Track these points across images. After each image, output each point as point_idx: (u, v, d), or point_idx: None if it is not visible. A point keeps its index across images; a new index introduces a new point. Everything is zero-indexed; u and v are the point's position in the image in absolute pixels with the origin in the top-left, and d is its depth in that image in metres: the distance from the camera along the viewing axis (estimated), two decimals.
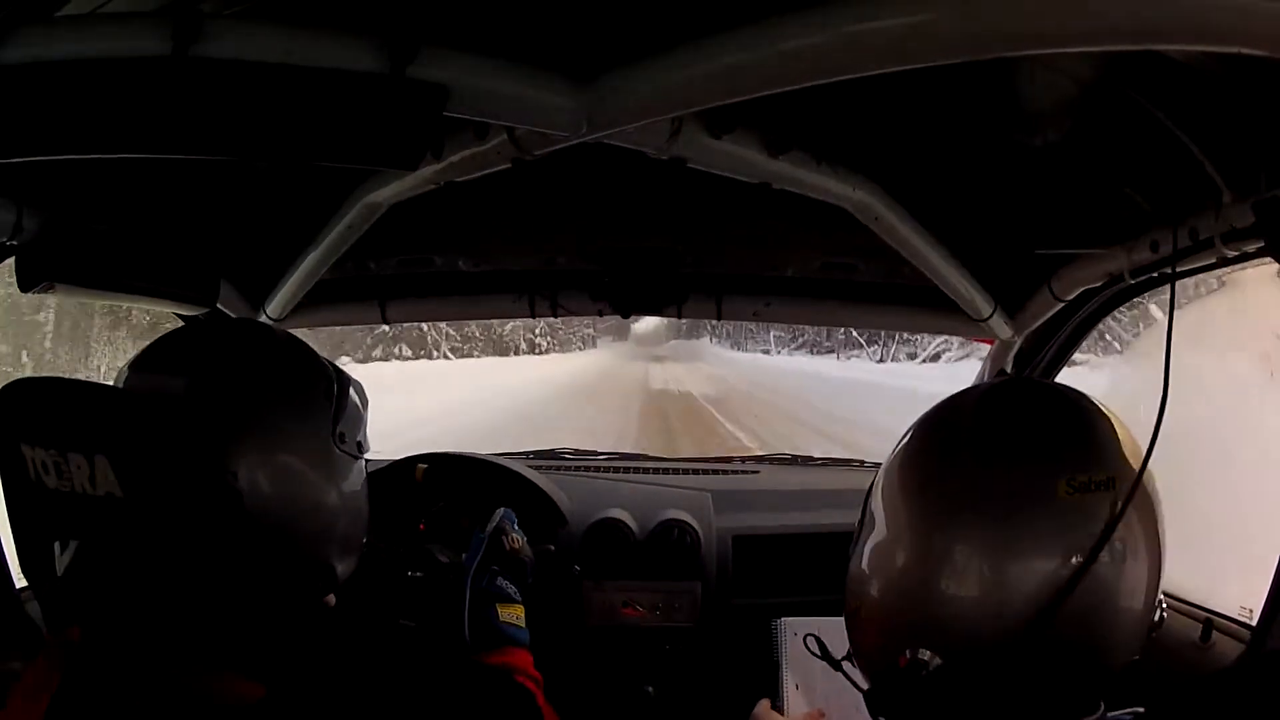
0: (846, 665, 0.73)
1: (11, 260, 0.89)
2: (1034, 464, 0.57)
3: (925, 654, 0.59)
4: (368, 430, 0.74)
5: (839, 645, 0.74)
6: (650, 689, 1.42)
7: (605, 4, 0.72)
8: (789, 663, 1.14)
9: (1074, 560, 0.55)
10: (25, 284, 0.90)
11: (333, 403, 0.68)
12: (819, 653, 0.77)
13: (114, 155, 0.67)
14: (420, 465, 1.35)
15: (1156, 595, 0.60)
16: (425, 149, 0.70)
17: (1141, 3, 0.55)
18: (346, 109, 0.65)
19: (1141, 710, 0.59)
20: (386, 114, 0.66)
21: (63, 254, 0.92)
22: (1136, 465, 0.58)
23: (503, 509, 1.06)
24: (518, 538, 1.03)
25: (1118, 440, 0.59)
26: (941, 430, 0.66)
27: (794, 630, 1.17)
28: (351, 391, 0.71)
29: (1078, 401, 0.62)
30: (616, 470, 1.71)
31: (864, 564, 0.66)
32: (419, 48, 0.66)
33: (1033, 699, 0.58)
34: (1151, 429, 0.62)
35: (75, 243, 0.93)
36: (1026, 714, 0.58)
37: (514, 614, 0.94)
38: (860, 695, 0.68)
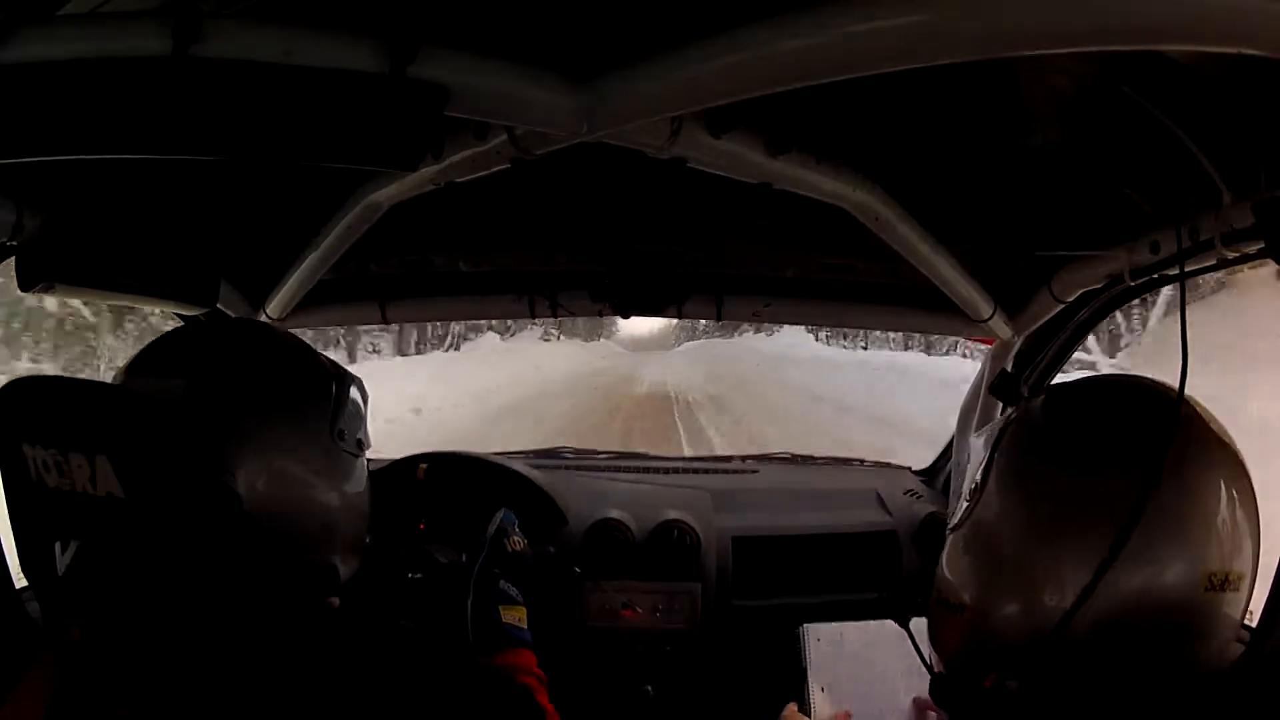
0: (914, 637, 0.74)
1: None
2: (1157, 473, 0.55)
3: (1012, 684, 0.58)
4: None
5: (861, 650, 0.75)
6: (650, 689, 1.42)
7: (605, 4, 0.72)
8: (814, 666, 1.16)
9: (1191, 588, 0.55)
10: (25, 284, 0.90)
11: (331, 401, 0.68)
12: (897, 620, 0.77)
13: (114, 155, 0.67)
14: (421, 464, 1.35)
15: (1246, 611, 0.59)
16: (425, 149, 0.70)
17: (1141, 3, 0.55)
18: (346, 109, 0.65)
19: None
20: (386, 114, 0.66)
21: (63, 254, 0.92)
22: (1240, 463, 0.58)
23: (504, 510, 1.06)
24: (519, 539, 1.03)
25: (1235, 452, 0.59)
26: (1080, 431, 0.62)
27: (817, 635, 1.19)
28: (352, 389, 0.71)
29: (1208, 421, 0.61)
30: (616, 470, 1.71)
31: (963, 562, 0.65)
32: (419, 48, 0.66)
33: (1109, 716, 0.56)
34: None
35: (75, 243, 0.93)
36: None
37: (516, 615, 0.94)
38: (884, 697, 0.68)
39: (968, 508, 0.66)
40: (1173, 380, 0.63)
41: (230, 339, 0.70)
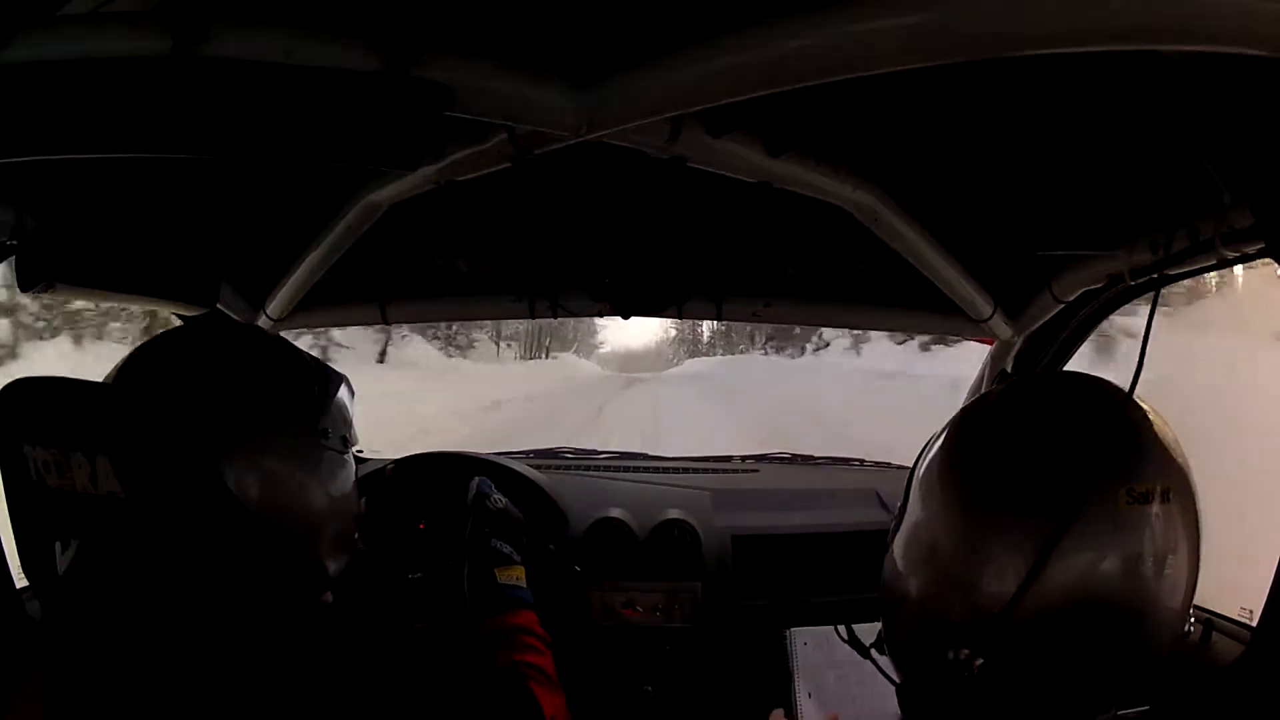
0: (875, 655, 0.73)
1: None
2: (1094, 470, 0.56)
3: (965, 654, 0.59)
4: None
5: (849, 654, 0.75)
6: (650, 689, 1.42)
7: (605, 5, 0.72)
8: (801, 672, 1.15)
9: (1121, 564, 0.55)
10: (25, 284, 0.90)
11: (314, 399, 0.68)
12: (848, 640, 0.77)
13: (114, 155, 0.67)
14: (387, 466, 1.35)
15: (1190, 603, 0.59)
16: (425, 149, 0.70)
17: (1141, 3, 0.55)
18: (346, 109, 0.65)
19: (1147, 709, 0.59)
20: (386, 114, 0.66)
21: (63, 254, 0.92)
22: (1186, 468, 0.58)
23: (478, 478, 1.05)
24: (500, 498, 1.02)
25: (1170, 444, 0.59)
26: (991, 428, 0.64)
27: (804, 640, 1.18)
28: (339, 388, 0.71)
29: (1129, 402, 0.61)
30: (616, 470, 1.71)
31: (903, 559, 0.65)
32: (419, 48, 0.66)
33: (1065, 698, 0.58)
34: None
35: (75, 243, 0.93)
36: (1059, 712, 0.58)
37: (514, 575, 0.93)
38: (872, 702, 0.68)
39: (903, 508, 0.67)
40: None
41: (215, 341, 0.69)
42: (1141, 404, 0.62)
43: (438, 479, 1.37)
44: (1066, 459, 0.58)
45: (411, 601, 1.24)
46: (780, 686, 1.16)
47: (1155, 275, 0.88)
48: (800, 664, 1.15)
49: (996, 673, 0.58)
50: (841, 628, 0.78)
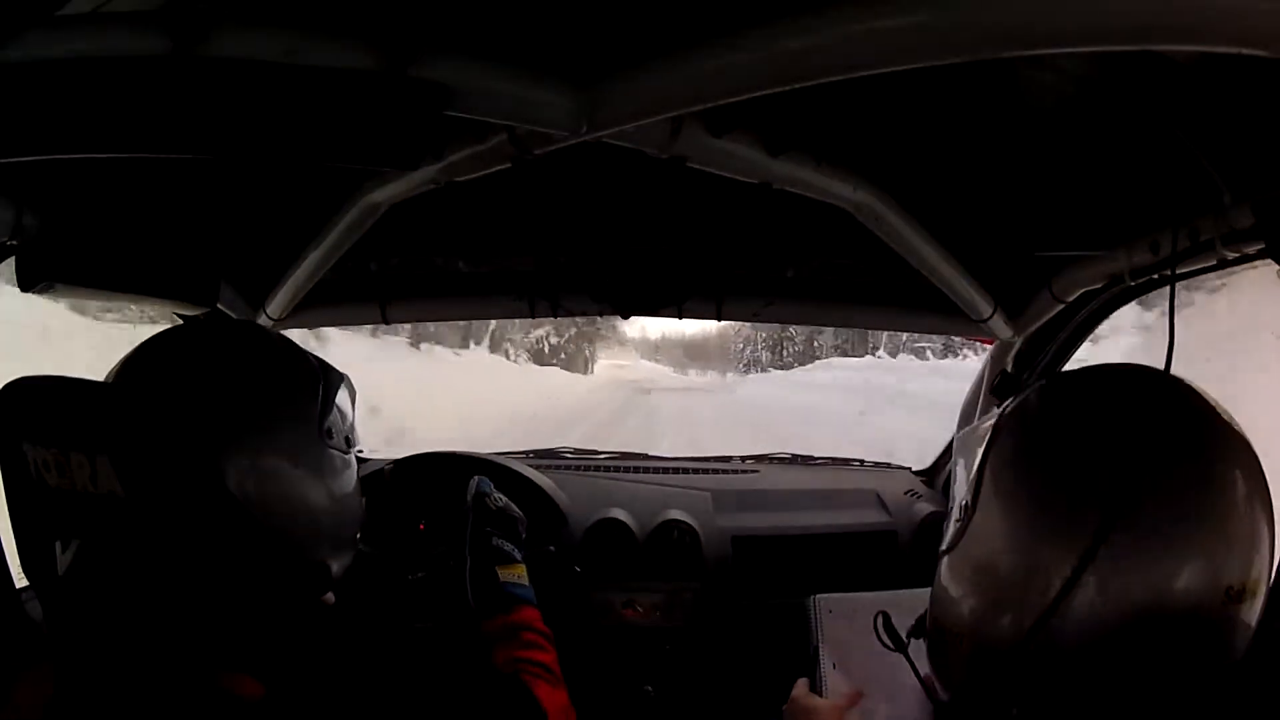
0: (911, 651, 0.70)
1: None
2: (1191, 488, 0.52)
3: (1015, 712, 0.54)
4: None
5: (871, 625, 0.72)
6: (650, 689, 1.42)
7: (605, 5, 0.72)
8: (825, 641, 1.09)
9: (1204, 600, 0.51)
10: (25, 284, 0.90)
11: (318, 400, 0.68)
12: (886, 637, 0.73)
13: (114, 155, 0.67)
14: (385, 468, 1.35)
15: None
16: (425, 149, 0.70)
17: (1141, 3, 0.55)
18: (346, 109, 0.65)
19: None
20: (386, 114, 0.66)
21: (63, 254, 0.92)
22: (1273, 484, 0.54)
23: (476, 477, 1.05)
24: (500, 497, 1.03)
25: (1239, 429, 0.55)
26: (1054, 429, 0.58)
27: (829, 608, 1.12)
28: (340, 388, 0.71)
29: (1217, 416, 0.56)
30: (616, 470, 1.71)
31: (959, 587, 0.60)
32: (419, 48, 0.66)
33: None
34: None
35: (75, 243, 0.93)
36: None
37: (516, 573, 0.93)
38: (899, 673, 0.66)
39: (959, 526, 0.62)
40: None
41: (217, 340, 0.69)
42: (1198, 389, 0.57)
43: (438, 479, 1.37)
44: (1146, 457, 0.52)
45: (412, 601, 1.24)
46: (787, 683, 1.16)
47: (1169, 273, 0.86)
48: (825, 633, 1.10)
49: (1047, 698, 0.54)
50: (880, 616, 0.74)
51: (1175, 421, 0.54)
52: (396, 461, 1.47)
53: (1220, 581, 0.52)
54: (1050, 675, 0.54)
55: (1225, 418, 0.56)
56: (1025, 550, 0.55)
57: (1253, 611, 0.54)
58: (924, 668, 0.69)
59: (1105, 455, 0.54)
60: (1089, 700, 0.54)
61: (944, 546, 0.64)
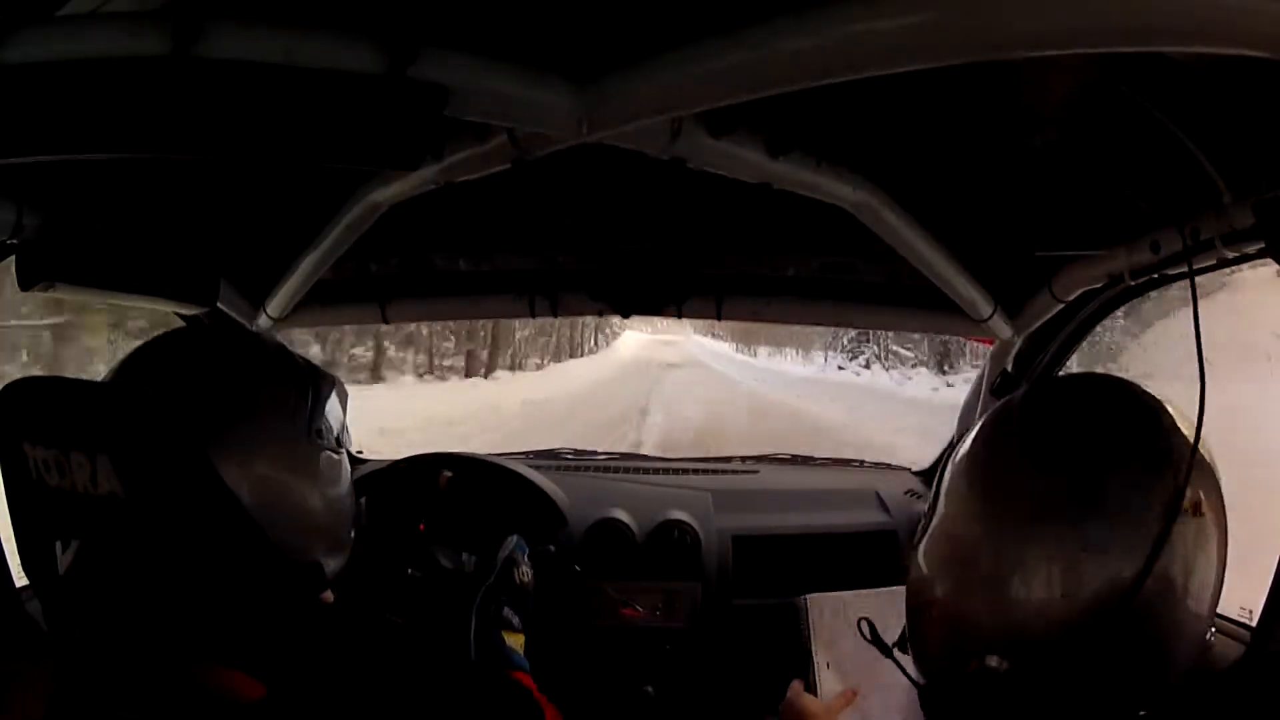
0: (897, 653, 0.72)
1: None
2: (1118, 470, 0.57)
3: (994, 660, 0.58)
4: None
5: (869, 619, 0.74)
6: (650, 689, 1.42)
7: (605, 5, 0.72)
8: (818, 641, 1.12)
9: (1156, 571, 0.55)
10: (25, 284, 0.90)
11: (308, 401, 0.68)
12: (870, 638, 0.76)
13: (114, 155, 0.67)
14: (445, 473, 1.36)
15: (1215, 606, 0.59)
16: (425, 149, 0.70)
17: (1141, 3, 0.55)
18: (346, 109, 0.65)
19: (1143, 714, 0.59)
20: (386, 114, 0.66)
21: (63, 254, 0.92)
22: (1216, 474, 0.58)
23: (515, 536, 1.09)
24: (527, 570, 1.08)
25: (1194, 445, 0.59)
26: (1019, 430, 0.64)
27: (820, 608, 1.14)
28: (328, 389, 0.72)
29: (1152, 402, 0.61)
30: (616, 470, 1.71)
31: (930, 563, 0.65)
32: (419, 48, 0.66)
33: (1091, 704, 0.57)
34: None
35: (75, 243, 0.93)
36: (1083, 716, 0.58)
37: (516, 642, 0.99)
38: (892, 671, 0.68)
39: (931, 512, 0.67)
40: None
41: (212, 343, 0.70)
42: (1171, 408, 0.61)
43: (438, 479, 1.37)
44: (1101, 466, 0.57)
45: (412, 601, 1.24)
46: (786, 683, 1.16)
47: (1170, 272, 0.89)
48: (818, 633, 1.12)
49: (1022, 679, 0.58)
50: (865, 623, 0.77)
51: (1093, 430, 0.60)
52: (397, 461, 1.48)
53: (1120, 578, 0.56)
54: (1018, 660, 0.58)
55: (1166, 425, 0.60)
56: (1005, 533, 0.60)
57: (1171, 607, 0.57)
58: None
59: (1069, 469, 0.59)
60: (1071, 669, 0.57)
61: (918, 535, 0.69)
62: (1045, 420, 0.63)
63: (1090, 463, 0.58)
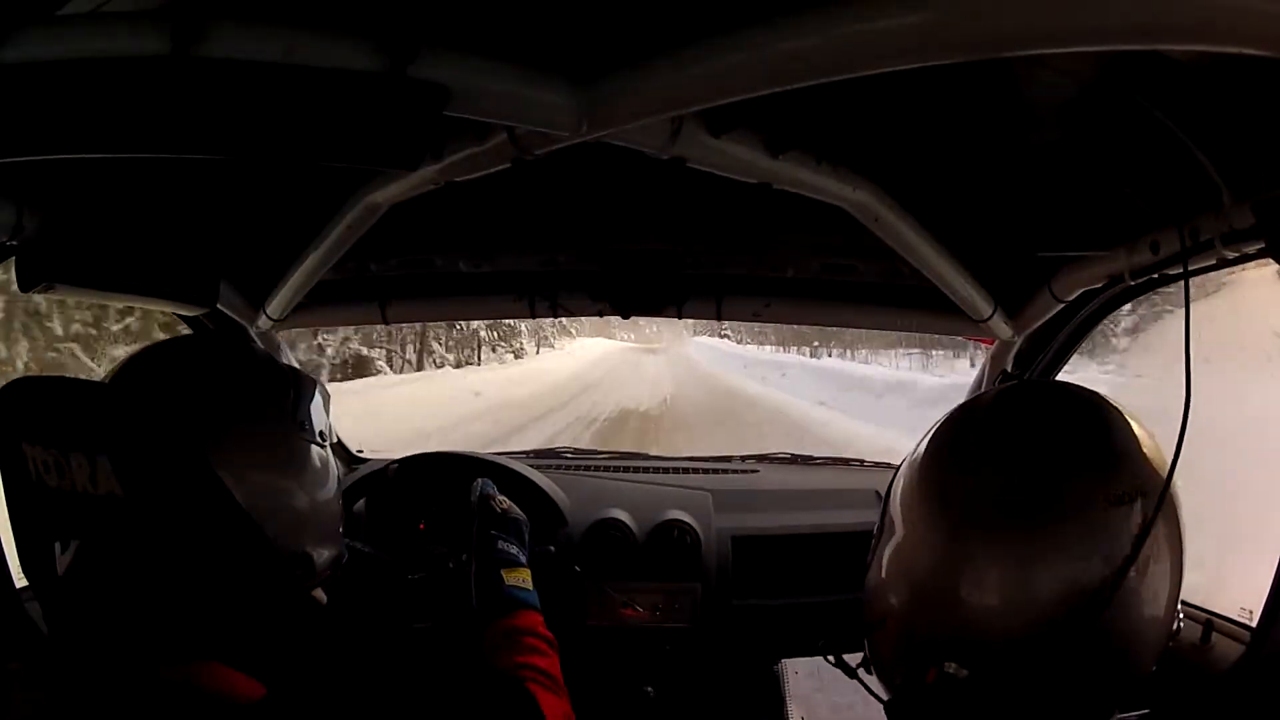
0: (862, 674, 0.73)
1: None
2: (1067, 475, 0.56)
3: (952, 667, 0.58)
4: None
5: (839, 680, 0.75)
6: (650, 689, 1.42)
7: (605, 4, 0.72)
8: (793, 699, 1.18)
9: (1104, 570, 0.55)
10: (25, 284, 0.90)
11: (291, 398, 0.71)
12: (835, 662, 0.77)
13: (114, 155, 0.67)
14: (391, 465, 1.36)
15: (1177, 604, 0.59)
16: (425, 149, 0.70)
17: (1141, 3, 0.55)
18: (346, 109, 0.65)
19: (1147, 711, 0.59)
20: (386, 114, 0.66)
21: (63, 254, 0.92)
22: (1162, 471, 0.58)
23: (480, 479, 1.06)
24: (504, 499, 1.04)
25: (1145, 448, 0.59)
26: (965, 436, 0.64)
27: (794, 669, 1.22)
28: (310, 389, 0.75)
29: (1103, 407, 0.61)
30: (616, 470, 1.71)
31: (884, 573, 0.65)
32: (419, 48, 0.65)
33: (1057, 707, 0.57)
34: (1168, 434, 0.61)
35: (75, 243, 0.93)
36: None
37: (520, 577, 0.94)
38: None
39: (881, 524, 0.67)
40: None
41: (203, 349, 0.74)
42: (1117, 407, 0.62)
43: (438, 479, 1.37)
44: (1041, 468, 0.57)
45: (412, 601, 1.24)
46: (776, 692, 1.19)
47: (1170, 272, 0.89)
48: (792, 691, 1.20)
49: (983, 685, 0.58)
50: (830, 656, 0.78)
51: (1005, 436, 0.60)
52: (397, 461, 1.47)
53: (1077, 585, 0.56)
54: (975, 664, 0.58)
55: (1116, 427, 0.60)
56: (945, 551, 0.60)
57: (1129, 607, 0.57)
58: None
59: (1012, 473, 0.59)
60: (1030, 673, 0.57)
61: (870, 553, 0.69)
62: (988, 424, 0.63)
63: (1030, 463, 0.58)
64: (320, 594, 0.72)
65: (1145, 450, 0.59)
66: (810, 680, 1.20)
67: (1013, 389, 0.67)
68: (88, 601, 0.58)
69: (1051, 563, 0.55)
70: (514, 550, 0.96)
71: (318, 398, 0.75)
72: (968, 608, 0.57)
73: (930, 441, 0.66)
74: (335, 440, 0.78)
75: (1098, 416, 0.60)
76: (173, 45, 0.62)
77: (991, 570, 0.57)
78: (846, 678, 0.74)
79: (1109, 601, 0.54)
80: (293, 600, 0.66)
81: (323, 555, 0.71)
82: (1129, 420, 0.61)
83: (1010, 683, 0.57)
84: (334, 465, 0.75)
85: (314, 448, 0.72)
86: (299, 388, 0.73)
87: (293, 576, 0.67)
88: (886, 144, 0.96)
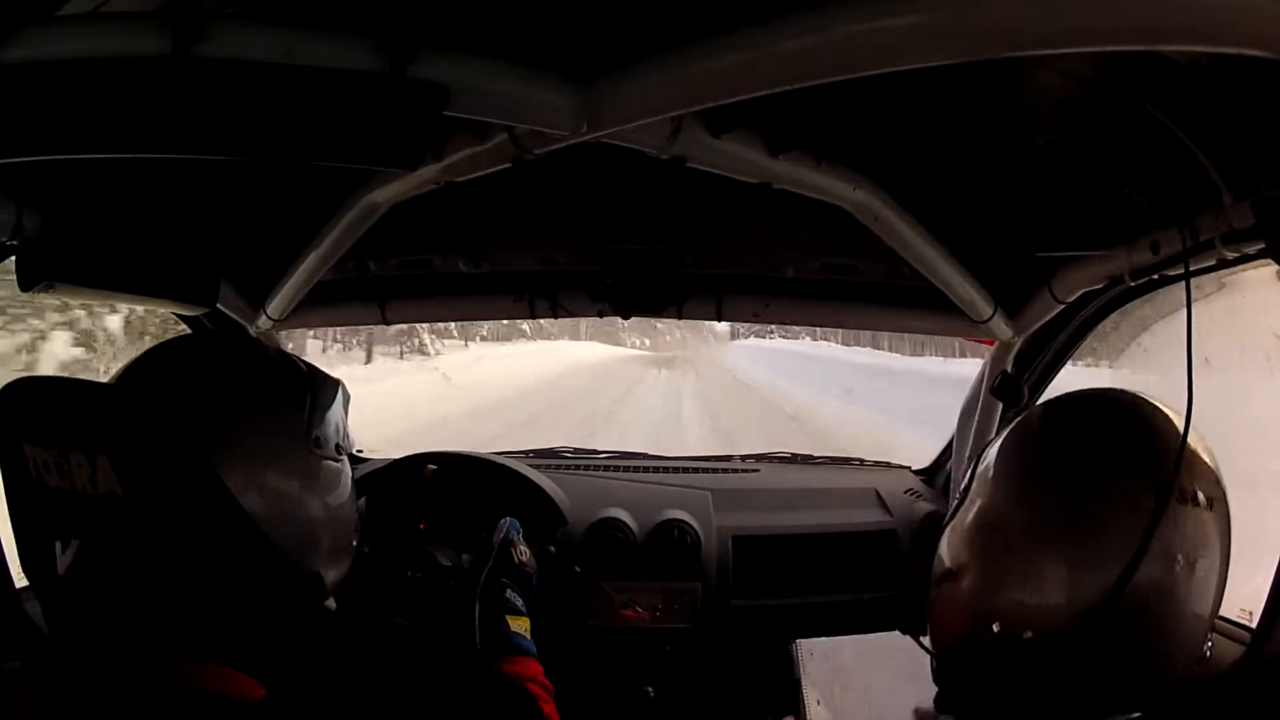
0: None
1: None
2: (1143, 473, 0.60)
3: (1026, 633, 0.61)
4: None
5: (855, 663, 0.75)
6: (650, 689, 1.42)
7: (605, 4, 0.72)
8: (809, 680, 1.17)
9: (1168, 564, 0.59)
10: (25, 284, 0.90)
11: (305, 408, 0.67)
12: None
13: (114, 155, 0.67)
14: (429, 466, 1.35)
15: (1216, 611, 0.62)
16: (425, 149, 0.70)
17: (1141, 3, 0.55)
18: (346, 109, 0.65)
19: (1139, 715, 0.59)
20: (386, 114, 0.66)
21: (63, 254, 0.92)
22: (1220, 475, 0.62)
23: (509, 519, 1.07)
24: (524, 549, 1.05)
25: (1203, 453, 0.63)
26: (1058, 427, 0.68)
27: (810, 650, 1.21)
28: (329, 394, 0.71)
29: (1167, 417, 0.65)
30: (616, 469, 1.71)
31: (963, 540, 0.68)
32: (419, 48, 0.66)
33: (1104, 686, 0.60)
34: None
35: (75, 243, 0.93)
36: (1083, 698, 0.60)
37: (522, 625, 0.96)
38: (879, 706, 0.68)
39: (961, 500, 0.71)
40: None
41: (212, 348, 0.70)
42: (1176, 415, 0.65)
43: (438, 479, 1.37)
44: (1123, 467, 0.61)
45: (411, 601, 1.24)
46: (783, 687, 1.17)
47: (1170, 273, 0.90)
48: (808, 672, 1.18)
49: (1043, 650, 0.61)
50: (879, 636, 0.80)
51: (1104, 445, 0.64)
52: (397, 461, 1.47)
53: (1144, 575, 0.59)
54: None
55: (1162, 441, 0.63)
56: (1034, 536, 0.63)
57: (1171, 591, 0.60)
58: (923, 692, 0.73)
59: (1067, 472, 0.64)
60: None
61: (948, 519, 0.72)
62: (1066, 433, 0.67)
63: (1102, 472, 0.62)
64: (331, 602, 0.70)
65: (1204, 455, 0.63)
66: (826, 663, 1.19)
67: (1099, 398, 0.72)
68: (88, 601, 0.58)
69: (1123, 551, 0.58)
70: (518, 601, 0.98)
71: (336, 404, 0.71)
72: (1045, 583, 0.61)
73: (1029, 433, 0.69)
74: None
75: (1169, 427, 0.64)
76: (173, 45, 0.62)
77: (1059, 559, 0.60)
78: (860, 660, 0.75)
79: (1150, 582, 0.58)
80: (300, 611, 0.65)
81: (334, 572, 0.69)
82: (1203, 441, 0.65)
83: (1069, 653, 0.60)
84: (348, 473, 0.72)
85: (329, 461, 0.68)
86: (316, 390, 0.69)
87: (300, 593, 0.65)
88: (887, 144, 0.96)
